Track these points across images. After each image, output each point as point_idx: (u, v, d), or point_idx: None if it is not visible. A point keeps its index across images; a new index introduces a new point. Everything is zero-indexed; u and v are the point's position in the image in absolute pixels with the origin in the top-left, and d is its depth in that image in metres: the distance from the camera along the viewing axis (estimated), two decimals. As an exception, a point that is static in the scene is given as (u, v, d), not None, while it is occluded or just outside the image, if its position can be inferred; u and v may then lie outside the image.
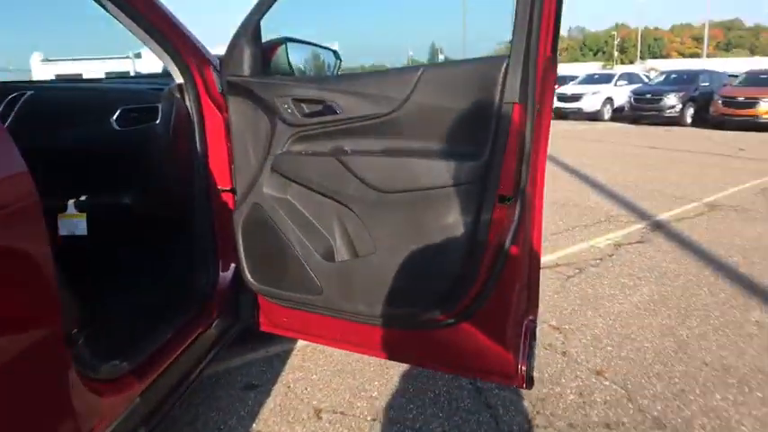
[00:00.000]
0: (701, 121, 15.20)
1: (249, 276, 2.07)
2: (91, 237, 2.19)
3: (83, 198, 2.13)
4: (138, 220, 2.21)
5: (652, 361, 2.68)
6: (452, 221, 1.68)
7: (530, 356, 1.78)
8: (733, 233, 4.81)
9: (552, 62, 1.61)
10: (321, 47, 2.29)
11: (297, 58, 2.34)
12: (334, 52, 2.31)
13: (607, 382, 2.49)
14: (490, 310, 1.74)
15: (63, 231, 2.16)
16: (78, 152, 2.20)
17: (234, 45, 1.94)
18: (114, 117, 2.06)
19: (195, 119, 2.11)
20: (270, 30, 2.39)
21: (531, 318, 1.81)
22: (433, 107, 1.67)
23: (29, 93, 2.18)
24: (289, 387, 2.49)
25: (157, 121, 2.04)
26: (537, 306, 1.84)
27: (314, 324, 2.08)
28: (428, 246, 1.73)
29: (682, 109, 15.47)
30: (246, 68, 1.94)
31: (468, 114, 1.63)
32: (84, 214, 2.14)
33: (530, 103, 1.57)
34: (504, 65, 1.55)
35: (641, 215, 5.49)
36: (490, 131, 1.59)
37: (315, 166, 1.86)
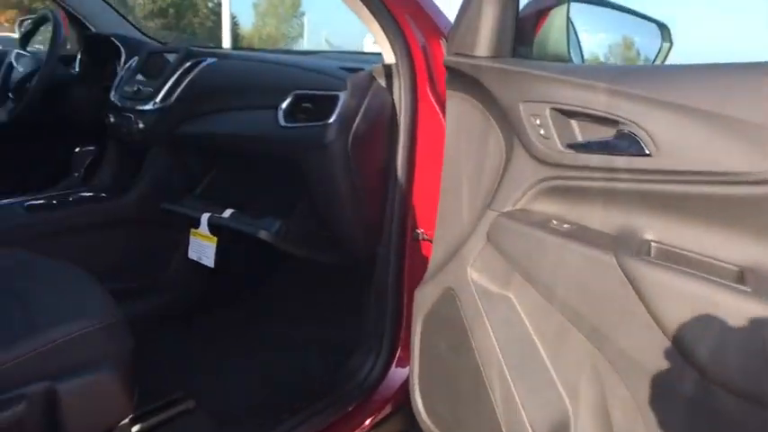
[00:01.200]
0: None
1: (420, 407, 1.21)
2: (219, 273, 1.56)
3: (224, 214, 1.48)
4: (284, 260, 1.49)
5: None
6: None
7: None
8: None
9: None
10: (639, 15, 1.24)
11: (592, 37, 1.36)
12: (662, 27, 1.23)
13: None
14: None
15: (192, 254, 1.55)
16: (233, 147, 1.57)
17: (468, 4, 1.06)
18: (284, 105, 1.35)
19: (403, 121, 1.29)
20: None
21: None
22: None
23: (207, 61, 1.61)
24: None
25: (330, 120, 1.27)
26: None
27: None
28: None
29: None
30: (483, 45, 1.04)
31: None
32: (215, 239, 1.50)
33: None
34: None
35: None
36: None
37: (570, 261, 0.88)
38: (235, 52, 1.75)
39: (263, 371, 1.64)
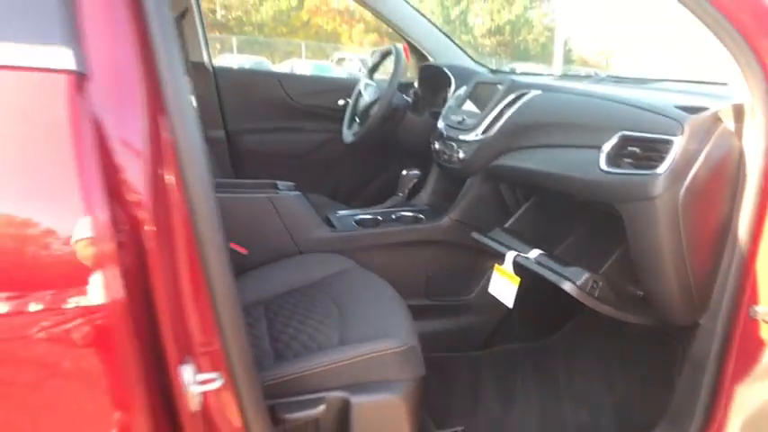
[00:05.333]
0: None
1: None
2: (517, 310, 1.51)
3: (531, 254, 1.43)
4: (588, 310, 1.37)
5: None
6: None
7: None
8: None
9: None
10: None
11: None
12: None
13: None
14: None
15: (492, 289, 1.53)
16: (549, 185, 1.50)
17: None
18: (607, 147, 1.24)
19: (752, 173, 1.09)
20: None
21: None
22: None
23: (531, 94, 1.58)
24: None
25: (660, 169, 1.13)
26: None
27: None
28: None
29: None
30: None
31: None
32: (518, 281, 1.44)
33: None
34: None
35: None
36: None
37: None
38: (560, 84, 1.68)
39: (546, 422, 1.57)
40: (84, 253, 0.58)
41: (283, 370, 1.10)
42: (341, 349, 1.14)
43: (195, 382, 0.74)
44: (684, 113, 1.15)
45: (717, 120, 1.14)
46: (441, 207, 1.92)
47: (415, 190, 2.10)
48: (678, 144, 1.11)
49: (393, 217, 1.88)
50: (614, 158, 1.23)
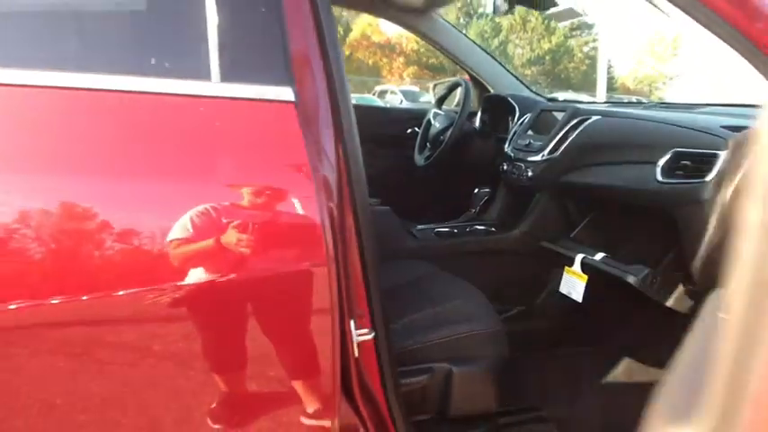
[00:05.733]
0: None
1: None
2: (584, 309, 1.71)
3: (596, 257, 1.65)
4: (649, 306, 1.58)
5: None
6: None
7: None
8: None
9: None
10: None
11: None
12: None
13: None
14: None
15: (563, 288, 1.75)
16: (610, 197, 1.72)
17: None
18: (662, 162, 1.47)
19: None
20: None
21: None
22: None
23: (592, 119, 1.82)
24: None
25: (709, 178, 1.34)
26: None
27: None
28: None
29: None
30: None
31: None
32: (586, 278, 1.66)
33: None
34: None
35: None
36: None
37: None
38: (618, 110, 1.91)
39: (609, 414, 1.74)
40: (313, 228, 0.85)
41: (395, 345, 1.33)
42: (441, 329, 1.37)
43: (357, 334, 0.99)
44: (729, 132, 1.37)
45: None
46: (508, 221, 2.16)
47: (487, 206, 2.36)
48: (723, 157, 1.33)
49: (467, 230, 2.13)
50: (668, 171, 1.46)
